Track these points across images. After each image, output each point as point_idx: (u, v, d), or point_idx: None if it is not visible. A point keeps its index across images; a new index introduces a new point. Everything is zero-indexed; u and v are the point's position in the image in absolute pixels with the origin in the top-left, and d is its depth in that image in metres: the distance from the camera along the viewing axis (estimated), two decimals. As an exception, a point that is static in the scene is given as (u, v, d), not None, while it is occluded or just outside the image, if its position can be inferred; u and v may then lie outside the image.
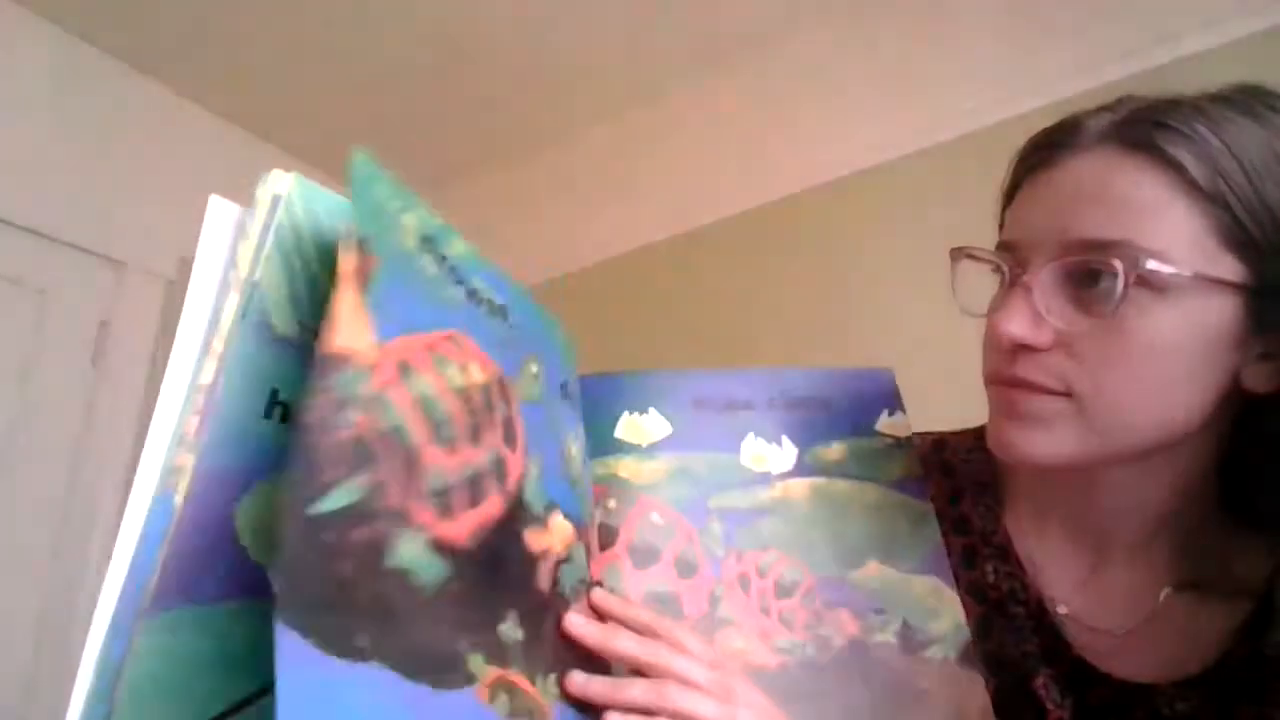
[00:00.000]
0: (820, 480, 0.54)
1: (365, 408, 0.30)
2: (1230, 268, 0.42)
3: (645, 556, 0.51)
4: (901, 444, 0.55)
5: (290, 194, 0.34)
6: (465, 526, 0.36)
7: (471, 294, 0.41)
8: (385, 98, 2.21)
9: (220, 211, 0.34)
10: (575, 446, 0.50)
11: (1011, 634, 0.50)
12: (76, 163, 1.87)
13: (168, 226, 1.95)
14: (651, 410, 0.55)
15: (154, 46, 1.98)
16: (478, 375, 0.39)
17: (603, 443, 0.54)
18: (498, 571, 0.38)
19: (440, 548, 0.34)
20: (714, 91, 2.11)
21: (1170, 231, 0.41)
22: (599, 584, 0.47)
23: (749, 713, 0.40)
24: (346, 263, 0.30)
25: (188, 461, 0.30)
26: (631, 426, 0.55)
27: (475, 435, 0.37)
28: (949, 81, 1.73)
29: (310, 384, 0.28)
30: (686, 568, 0.51)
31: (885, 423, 0.56)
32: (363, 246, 0.32)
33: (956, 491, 0.57)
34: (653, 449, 0.54)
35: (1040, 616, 0.51)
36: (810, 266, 1.86)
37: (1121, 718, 0.46)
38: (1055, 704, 0.48)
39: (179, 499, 0.29)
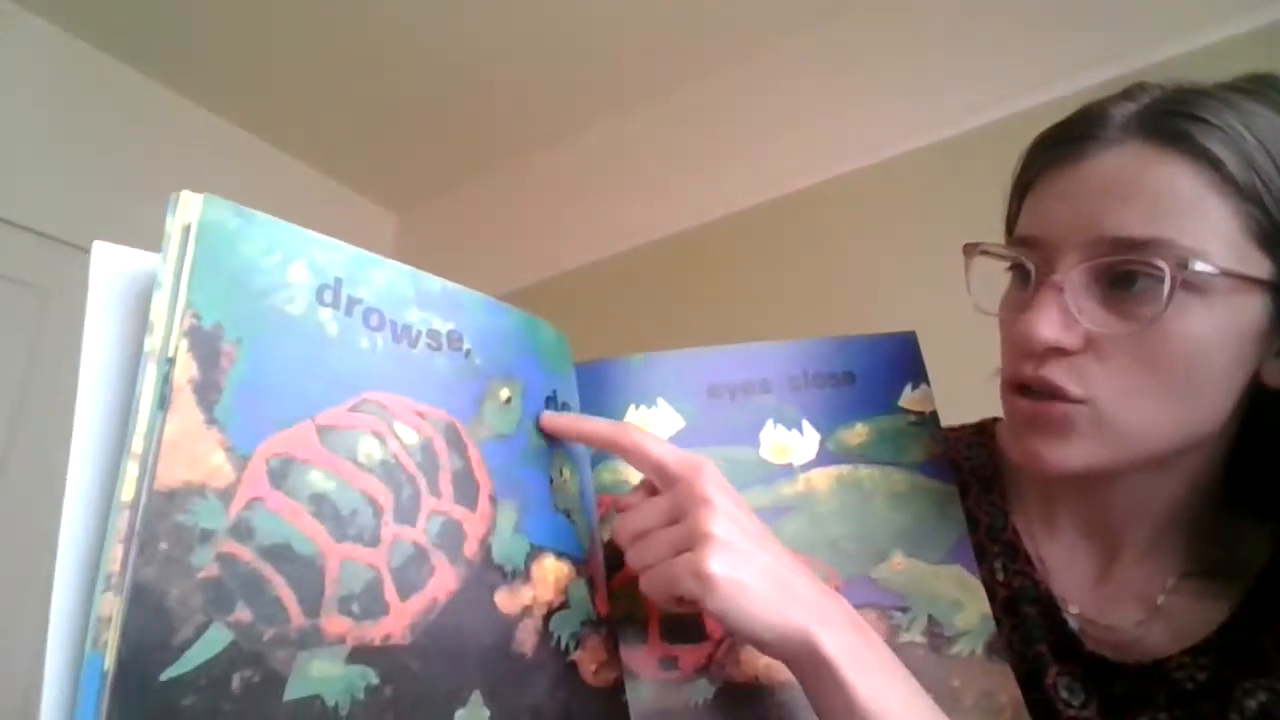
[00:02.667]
0: (844, 468, 0.50)
1: (229, 537, 0.26)
2: (1260, 265, 0.40)
3: None
4: (925, 420, 0.51)
5: (202, 224, 0.29)
6: (402, 619, 0.32)
7: (402, 333, 0.35)
8: (385, 99, 2.20)
9: (113, 260, 0.28)
10: (568, 468, 0.44)
11: (1021, 633, 0.49)
12: (76, 163, 1.89)
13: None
14: (660, 402, 0.50)
15: (154, 46, 2.01)
16: (408, 437, 0.34)
17: None
18: (455, 652, 0.34)
19: (365, 655, 0.30)
20: (714, 90, 2.12)
21: (1208, 229, 0.40)
22: (606, 619, 0.43)
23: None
24: (182, 371, 0.25)
25: (115, 608, 0.24)
26: (639, 423, 0.49)
27: (407, 511, 0.33)
28: (950, 78, 1.74)
29: (143, 532, 0.24)
30: None
31: (909, 398, 0.52)
32: (208, 340, 0.27)
33: (961, 487, 0.54)
34: None
35: (1052, 615, 0.49)
36: (811, 265, 1.86)
37: (1148, 704, 0.45)
38: (1065, 703, 0.47)
39: (108, 661, 0.24)
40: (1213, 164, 0.40)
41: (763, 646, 0.37)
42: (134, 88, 2.04)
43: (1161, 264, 0.39)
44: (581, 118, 2.27)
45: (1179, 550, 0.49)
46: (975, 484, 0.55)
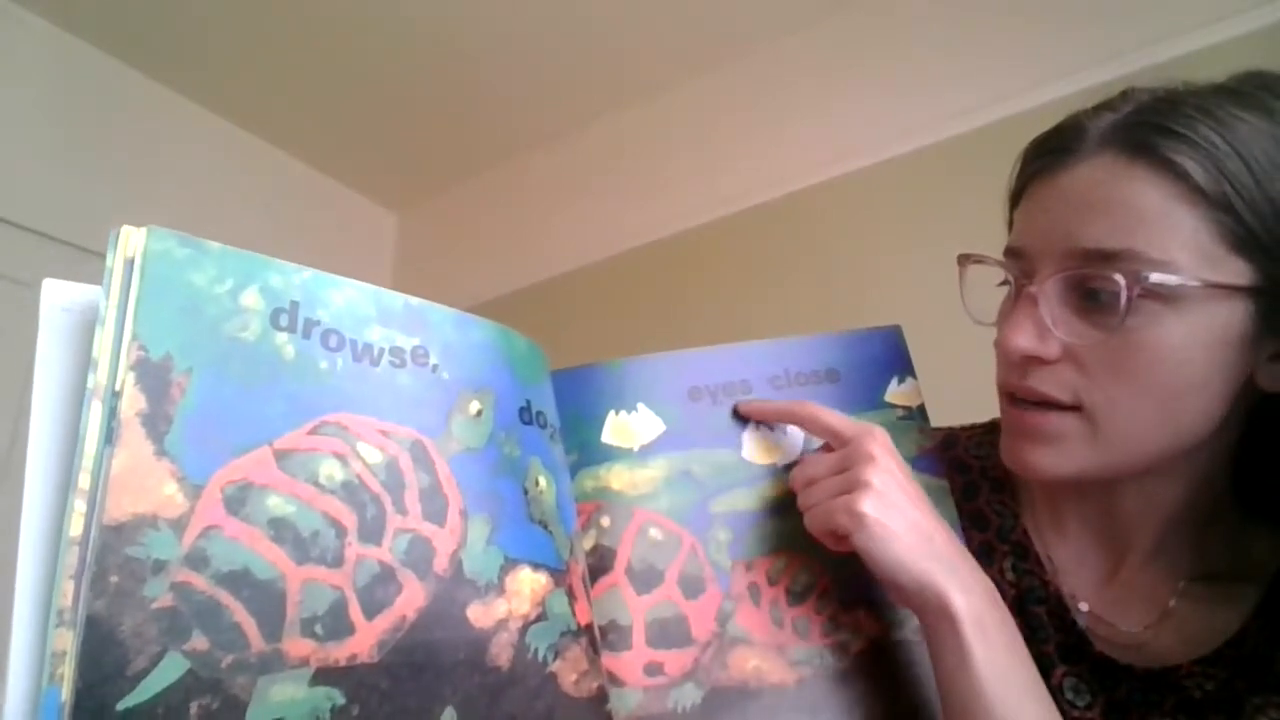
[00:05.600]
0: None
1: (182, 567, 0.26)
2: (1238, 271, 0.40)
3: (646, 579, 0.46)
4: (913, 414, 0.51)
5: (147, 255, 0.29)
6: (369, 638, 0.32)
7: (363, 352, 0.35)
8: (385, 99, 2.21)
9: (63, 296, 0.29)
10: (545, 477, 0.44)
11: (1027, 633, 0.48)
12: (76, 163, 1.90)
13: (168, 225, 2.00)
14: (641, 406, 0.49)
15: (154, 46, 2.03)
16: (372, 456, 0.34)
17: (590, 450, 0.49)
18: (426, 669, 0.34)
19: (330, 676, 0.30)
20: (713, 89, 2.13)
21: (1175, 240, 0.40)
22: (587, 628, 0.43)
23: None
24: (129, 404, 0.25)
25: (69, 642, 0.25)
26: (620, 428, 0.49)
27: (372, 531, 0.33)
28: (949, 79, 1.73)
29: (93, 566, 0.24)
30: (691, 586, 0.46)
31: (895, 392, 0.51)
32: (157, 372, 0.27)
33: (971, 487, 0.56)
34: (645, 452, 0.49)
35: (1061, 615, 0.49)
36: (808, 266, 1.86)
37: (1154, 709, 0.45)
38: (1070, 704, 0.47)
39: (65, 694, 0.25)
40: (1179, 175, 0.40)
41: (898, 591, 0.40)
42: (134, 88, 2.06)
43: (1119, 278, 0.40)
44: (581, 117, 2.29)
45: (1187, 553, 0.49)
46: (986, 484, 0.56)
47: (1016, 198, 0.50)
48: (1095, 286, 0.42)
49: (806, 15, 1.93)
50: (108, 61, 2.00)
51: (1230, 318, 0.41)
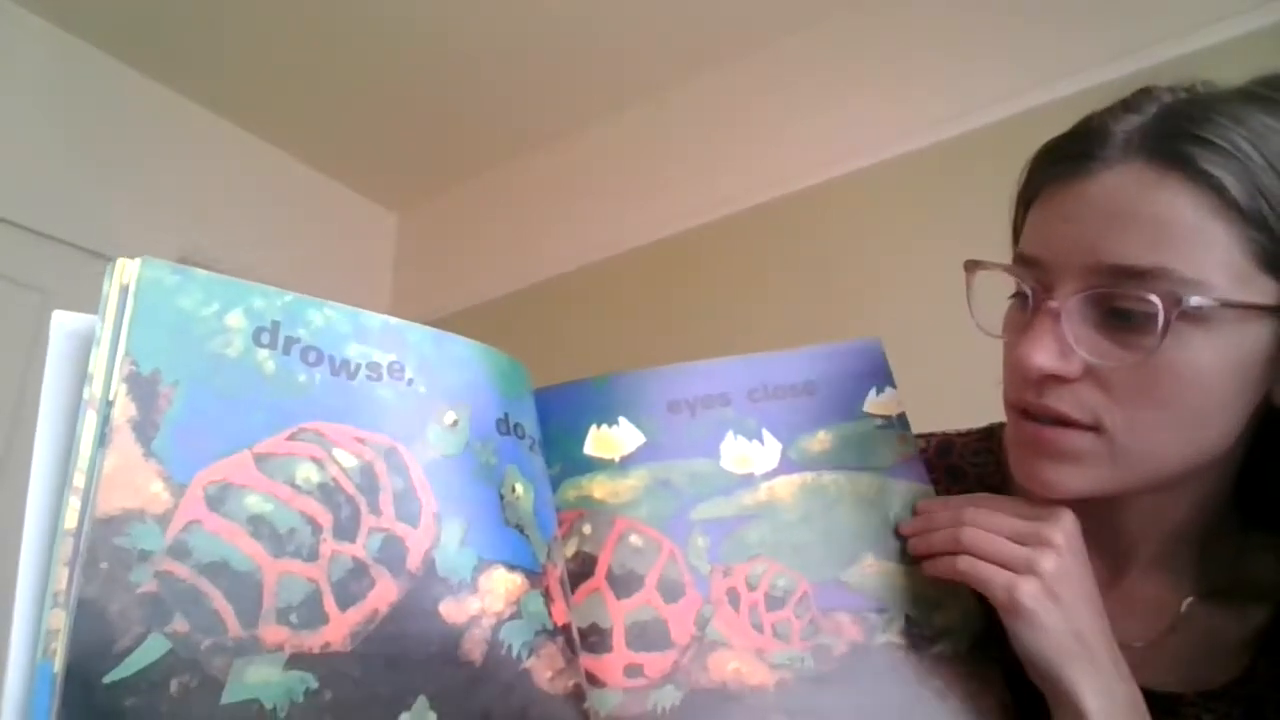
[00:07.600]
0: (807, 476, 0.50)
1: (166, 557, 0.29)
2: (1267, 290, 0.39)
3: (626, 584, 0.48)
4: (893, 423, 0.51)
5: (140, 282, 0.32)
6: (342, 628, 0.34)
7: (341, 367, 0.38)
8: (385, 99, 2.23)
9: (66, 322, 0.32)
10: (521, 484, 0.46)
11: None
12: (76, 163, 1.92)
13: (168, 225, 1.99)
14: (621, 420, 0.52)
15: (154, 46, 2.04)
16: (347, 460, 0.36)
17: (573, 462, 0.51)
18: (398, 659, 0.36)
19: (304, 661, 0.33)
20: (715, 89, 2.13)
21: (1210, 258, 0.39)
22: (564, 629, 0.45)
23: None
24: (121, 412, 0.28)
25: (61, 622, 0.28)
26: (601, 440, 0.51)
27: (347, 529, 0.35)
28: (948, 79, 1.74)
29: (85, 554, 0.27)
30: (671, 591, 0.48)
31: (873, 402, 0.51)
32: (146, 385, 0.29)
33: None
34: (626, 463, 0.51)
35: None
36: (808, 266, 1.86)
37: None
38: None
39: (57, 667, 0.28)
40: (1215, 189, 0.38)
41: (1033, 672, 0.40)
42: (134, 88, 2.07)
43: (1155, 299, 0.38)
44: (581, 117, 2.29)
45: (1188, 567, 0.49)
46: (981, 492, 0.54)
47: (1029, 200, 0.47)
48: (1126, 307, 0.40)
49: (806, 15, 1.94)
50: (108, 61, 2.02)
51: (1257, 338, 0.40)
